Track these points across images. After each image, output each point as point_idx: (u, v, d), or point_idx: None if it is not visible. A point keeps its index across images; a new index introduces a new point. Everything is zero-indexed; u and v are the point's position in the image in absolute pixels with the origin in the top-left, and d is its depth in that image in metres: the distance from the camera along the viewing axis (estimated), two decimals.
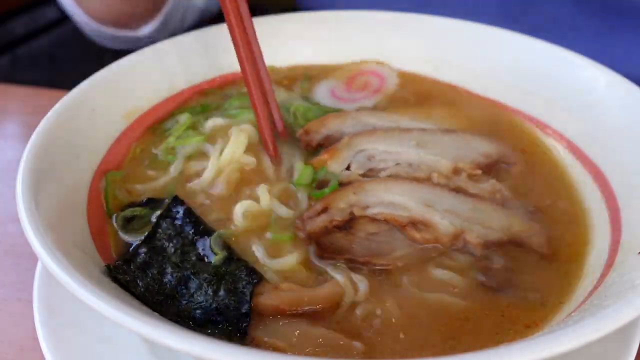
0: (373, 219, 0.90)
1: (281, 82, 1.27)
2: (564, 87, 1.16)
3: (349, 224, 0.89)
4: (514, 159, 1.08)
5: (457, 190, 0.98)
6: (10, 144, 1.52)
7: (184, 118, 1.12)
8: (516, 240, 0.91)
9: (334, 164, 1.01)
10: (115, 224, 0.94)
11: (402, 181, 0.96)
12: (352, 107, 1.19)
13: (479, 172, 1.03)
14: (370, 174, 1.01)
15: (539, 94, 1.19)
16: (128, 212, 0.94)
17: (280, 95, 1.20)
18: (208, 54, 1.25)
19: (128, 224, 0.94)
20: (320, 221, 0.89)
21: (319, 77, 1.29)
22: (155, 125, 1.14)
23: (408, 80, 1.29)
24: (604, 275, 0.85)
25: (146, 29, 1.64)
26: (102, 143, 1.04)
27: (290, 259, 0.87)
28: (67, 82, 1.22)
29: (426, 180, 1.00)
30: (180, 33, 1.20)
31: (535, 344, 0.62)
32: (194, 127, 1.11)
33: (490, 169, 1.05)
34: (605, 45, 1.53)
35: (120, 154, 1.06)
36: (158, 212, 0.94)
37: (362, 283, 0.83)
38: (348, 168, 1.01)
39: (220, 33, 1.26)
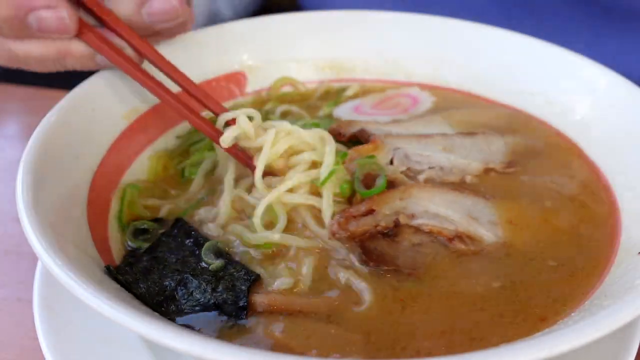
0: (417, 229, 0.88)
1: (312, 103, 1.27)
2: (563, 87, 1.16)
3: (393, 231, 0.87)
4: (539, 148, 1.10)
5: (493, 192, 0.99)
6: (10, 144, 1.52)
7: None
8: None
9: (380, 156, 0.99)
10: (126, 233, 0.94)
11: (446, 191, 0.94)
12: (366, 121, 1.17)
13: (512, 169, 1.04)
14: (408, 173, 1.01)
15: (539, 94, 1.19)
16: (139, 224, 0.96)
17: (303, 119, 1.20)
18: (209, 53, 1.25)
19: (137, 234, 0.95)
20: (364, 223, 0.86)
21: (354, 97, 1.29)
22: (179, 135, 1.15)
23: (443, 100, 1.26)
24: (604, 275, 0.85)
25: None
26: (102, 143, 1.03)
27: (272, 235, 0.88)
28: (67, 82, 1.22)
29: (459, 183, 1.01)
30: None
31: (535, 344, 0.62)
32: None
33: (517, 163, 1.07)
34: (605, 45, 1.53)
35: (121, 155, 1.06)
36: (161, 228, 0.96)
37: (365, 292, 0.83)
38: (391, 163, 1.00)
39: (222, 32, 1.26)
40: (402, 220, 0.87)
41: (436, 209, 0.90)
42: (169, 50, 1.20)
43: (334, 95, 1.29)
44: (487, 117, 1.18)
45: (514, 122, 1.17)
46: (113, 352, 0.88)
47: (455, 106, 1.23)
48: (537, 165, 1.07)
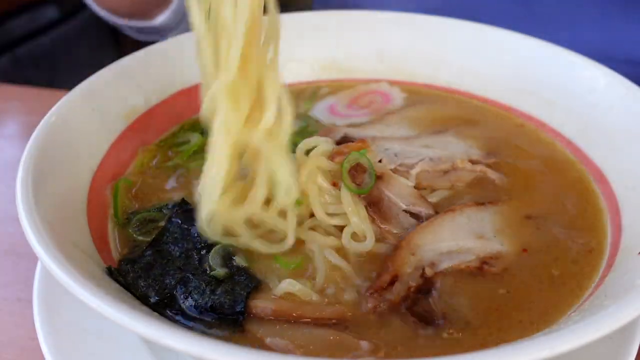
0: (445, 273, 0.87)
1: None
2: (564, 87, 1.16)
3: (426, 285, 0.85)
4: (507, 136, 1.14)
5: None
6: (10, 144, 1.52)
7: (195, 139, 1.12)
8: None
9: (369, 156, 0.98)
10: (128, 227, 0.95)
11: (439, 222, 0.93)
12: (344, 123, 1.18)
13: (493, 159, 1.07)
14: (401, 169, 1.01)
15: (539, 94, 1.19)
16: (142, 216, 0.96)
17: None
18: None
19: (139, 226, 0.95)
20: (398, 292, 0.83)
21: (327, 94, 1.29)
22: (166, 138, 1.15)
23: (413, 95, 1.28)
24: (604, 275, 0.85)
25: (161, 18, 1.67)
26: (102, 143, 1.03)
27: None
28: (67, 82, 1.22)
29: (452, 169, 1.03)
30: None
31: (535, 344, 0.62)
32: (202, 148, 1.09)
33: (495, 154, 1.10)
34: (614, 27, 1.52)
35: (121, 155, 1.06)
36: (163, 216, 0.96)
37: None
38: (379, 162, 1.01)
39: None
40: (429, 273, 0.86)
41: (447, 246, 0.89)
42: (169, 50, 1.21)
43: (309, 93, 1.30)
44: (450, 111, 1.22)
45: (476, 114, 1.21)
46: (113, 352, 0.88)
47: (424, 102, 1.25)
48: (512, 152, 1.10)
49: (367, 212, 0.92)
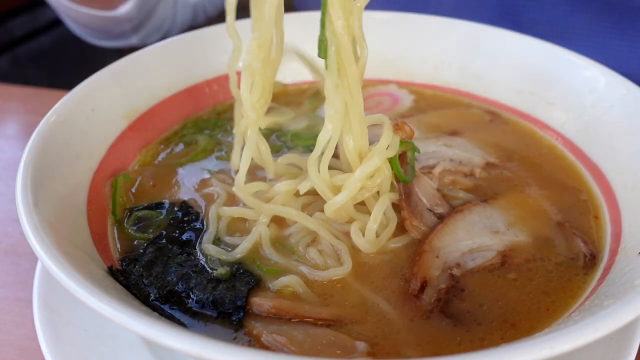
0: (472, 272, 0.88)
1: (292, 100, 1.28)
2: (564, 87, 1.16)
3: (457, 285, 0.86)
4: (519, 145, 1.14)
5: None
6: (10, 144, 1.52)
7: (203, 141, 1.13)
8: None
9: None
10: (126, 224, 0.95)
11: (452, 222, 0.93)
12: None
13: (510, 163, 1.08)
14: (424, 171, 1.03)
15: (539, 94, 1.19)
16: (141, 213, 0.97)
17: (287, 114, 1.20)
18: (207, 54, 1.24)
19: (138, 223, 0.96)
20: (430, 296, 0.84)
21: None
22: (168, 136, 1.15)
23: (422, 98, 1.29)
24: (604, 275, 0.85)
25: (124, 7, 1.64)
26: (102, 143, 1.04)
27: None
28: (67, 82, 1.22)
29: (470, 174, 1.04)
30: (172, 30, 1.18)
31: (535, 344, 0.62)
32: (207, 148, 1.12)
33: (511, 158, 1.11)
34: (606, 43, 1.53)
35: (121, 155, 1.06)
36: (163, 215, 0.97)
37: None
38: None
39: (219, 33, 1.26)
40: (457, 273, 0.87)
41: (466, 245, 0.90)
42: (170, 50, 1.21)
43: (311, 92, 1.30)
44: (464, 118, 1.21)
45: (490, 123, 1.20)
46: (113, 352, 0.88)
47: (433, 105, 1.25)
48: (524, 159, 1.11)
49: (401, 202, 0.93)
